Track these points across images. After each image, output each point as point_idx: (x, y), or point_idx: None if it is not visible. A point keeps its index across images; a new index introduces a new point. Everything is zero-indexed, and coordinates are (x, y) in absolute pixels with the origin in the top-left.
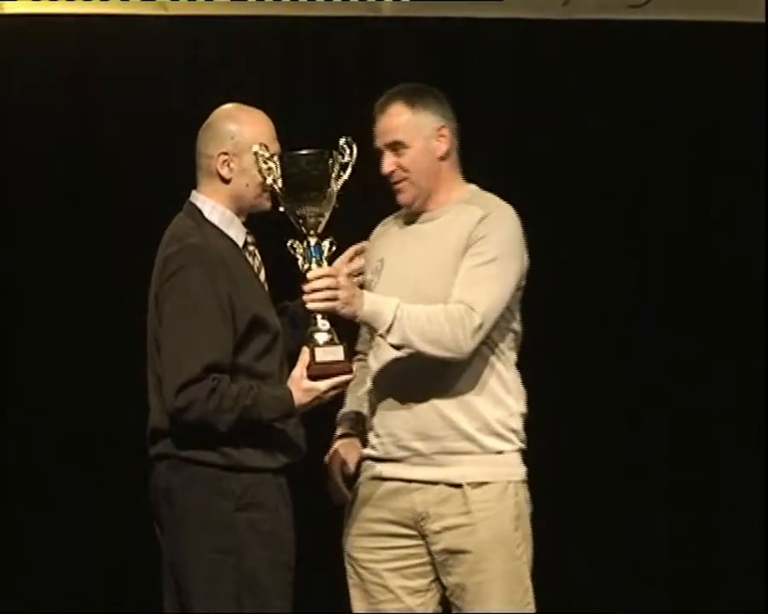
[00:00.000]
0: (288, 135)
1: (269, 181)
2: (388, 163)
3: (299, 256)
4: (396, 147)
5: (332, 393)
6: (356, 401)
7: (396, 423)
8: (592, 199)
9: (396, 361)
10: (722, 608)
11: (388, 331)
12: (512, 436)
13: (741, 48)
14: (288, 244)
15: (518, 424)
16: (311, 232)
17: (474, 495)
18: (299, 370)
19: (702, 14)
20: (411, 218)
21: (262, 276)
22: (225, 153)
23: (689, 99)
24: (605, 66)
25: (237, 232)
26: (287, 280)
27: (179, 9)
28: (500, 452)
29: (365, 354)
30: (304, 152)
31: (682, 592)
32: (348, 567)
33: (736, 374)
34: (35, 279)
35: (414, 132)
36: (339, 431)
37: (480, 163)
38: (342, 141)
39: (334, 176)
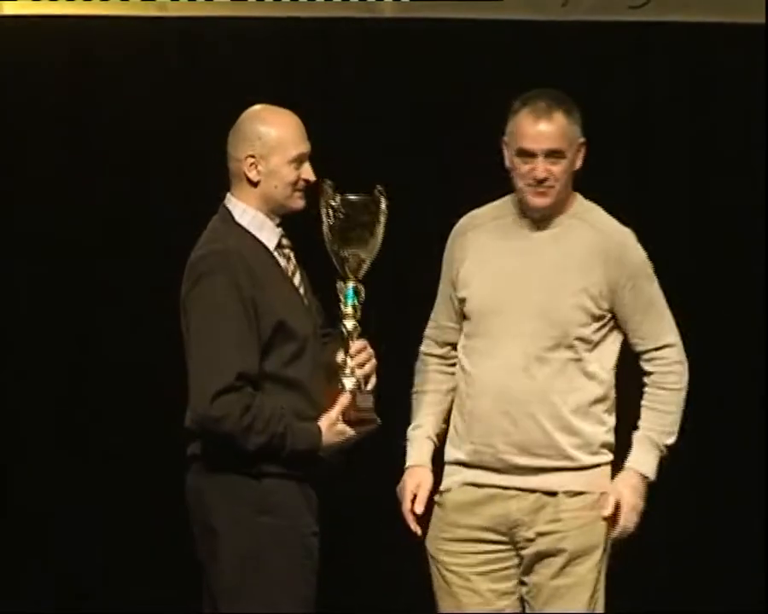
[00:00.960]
0: None
1: (329, 221)
2: (543, 169)
3: (347, 298)
4: (553, 154)
5: (353, 440)
6: (433, 408)
7: (496, 434)
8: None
9: (499, 372)
10: (722, 608)
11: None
12: (606, 449)
13: (740, 49)
14: (338, 285)
15: (612, 437)
16: (351, 275)
17: (568, 504)
18: (336, 412)
19: (702, 15)
20: (523, 223)
21: (296, 279)
22: (252, 156)
23: (688, 100)
24: (604, 68)
25: (269, 234)
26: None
27: (179, 10)
28: (596, 466)
29: (445, 358)
30: (354, 196)
31: (682, 592)
32: (434, 569)
33: (735, 374)
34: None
35: (569, 143)
36: (413, 457)
37: (480, 164)
38: (378, 189)
39: (380, 221)
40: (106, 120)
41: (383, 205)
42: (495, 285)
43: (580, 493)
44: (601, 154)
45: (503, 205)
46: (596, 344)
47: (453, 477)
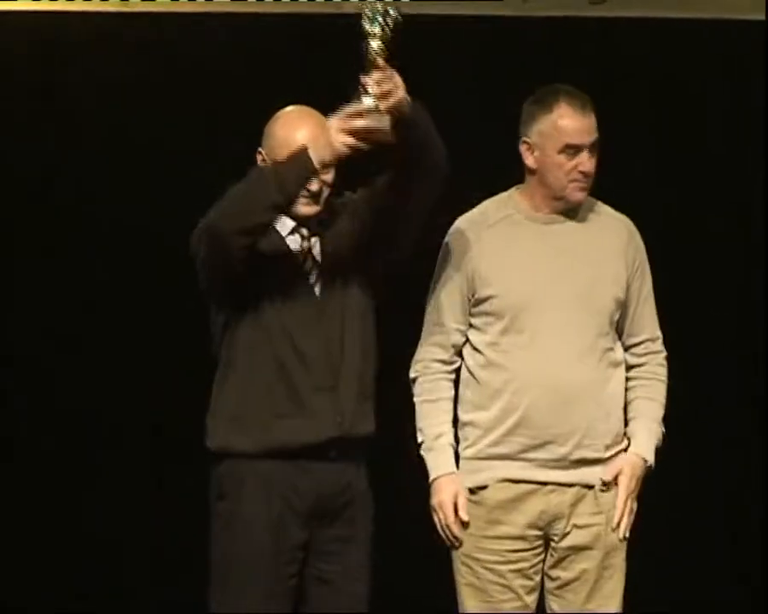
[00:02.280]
0: None
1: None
2: (590, 163)
3: (365, 17)
4: (593, 147)
5: (350, 140)
6: (447, 416)
7: (547, 420)
8: None
9: (549, 365)
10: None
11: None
12: (625, 442)
13: (701, 44)
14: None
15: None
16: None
17: (604, 496)
18: (343, 116)
19: (663, 10)
20: (535, 217)
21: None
22: (260, 153)
23: (653, 96)
24: (567, 65)
25: (282, 225)
26: None
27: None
28: (617, 454)
29: (450, 363)
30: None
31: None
32: (463, 567)
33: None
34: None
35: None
36: (441, 466)
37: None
38: None
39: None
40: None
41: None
42: (527, 280)
43: (608, 484)
44: None
45: (504, 204)
46: (616, 332)
47: (487, 471)
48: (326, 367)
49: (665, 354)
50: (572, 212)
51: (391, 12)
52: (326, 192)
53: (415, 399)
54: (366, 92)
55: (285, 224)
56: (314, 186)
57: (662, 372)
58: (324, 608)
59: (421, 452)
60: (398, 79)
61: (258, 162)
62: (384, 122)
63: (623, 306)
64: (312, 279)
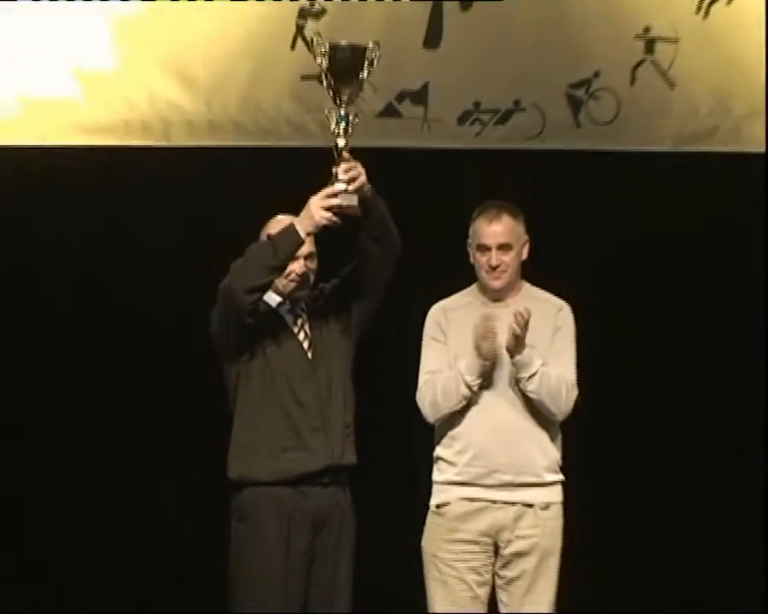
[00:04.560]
0: None
1: (321, 61)
2: (497, 258)
3: (332, 121)
4: (504, 247)
5: (327, 215)
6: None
7: (494, 456)
8: None
9: (493, 411)
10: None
11: (531, 378)
12: (559, 471)
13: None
14: (325, 111)
15: (560, 461)
16: (344, 105)
17: (541, 514)
18: (321, 195)
19: (588, 143)
20: (486, 300)
21: (302, 334)
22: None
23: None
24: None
25: (280, 307)
26: None
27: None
28: (556, 482)
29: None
30: (346, 42)
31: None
32: (430, 565)
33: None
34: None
35: (516, 239)
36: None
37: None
38: (371, 42)
39: (365, 65)
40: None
41: (372, 56)
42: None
43: (549, 505)
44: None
45: (468, 292)
46: None
47: (449, 493)
48: (317, 411)
49: (572, 387)
50: (511, 298)
51: (351, 117)
52: (311, 276)
53: (434, 396)
54: (337, 178)
55: (283, 306)
56: (299, 269)
57: (564, 386)
58: (318, 591)
59: (467, 380)
60: (360, 168)
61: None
62: (352, 200)
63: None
64: (306, 345)
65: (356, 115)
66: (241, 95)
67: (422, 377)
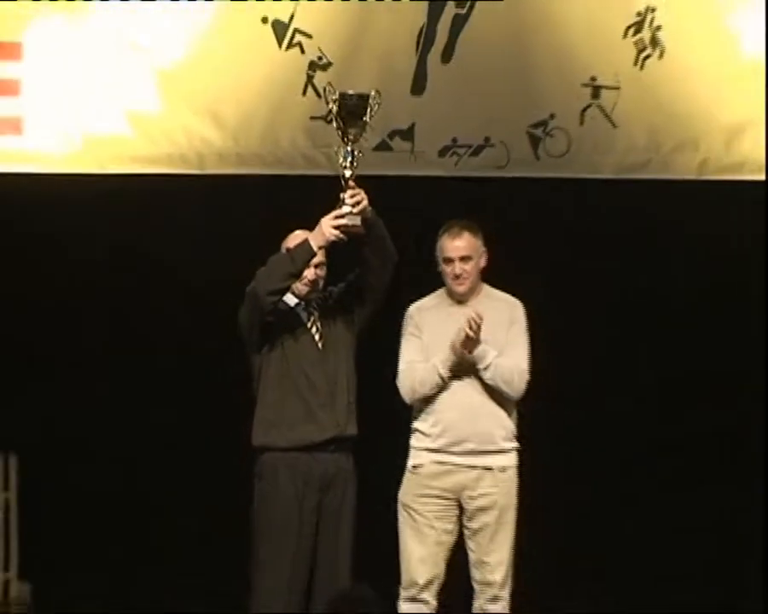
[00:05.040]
0: None
1: (331, 106)
2: (459, 268)
3: (340, 156)
4: (465, 259)
5: (335, 232)
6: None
7: (461, 429)
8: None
9: (462, 388)
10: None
11: (486, 368)
12: (515, 440)
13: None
14: (335, 148)
15: (515, 431)
16: (350, 143)
17: (499, 476)
18: (330, 216)
19: (546, 172)
20: (452, 301)
21: (313, 328)
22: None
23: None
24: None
25: (290, 299)
26: None
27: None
28: (513, 449)
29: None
30: (353, 91)
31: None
32: (404, 514)
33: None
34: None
35: (475, 251)
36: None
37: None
38: (374, 91)
39: (369, 111)
40: None
41: (371, 100)
42: (445, 345)
43: (506, 468)
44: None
45: (438, 296)
46: None
47: (423, 458)
48: (326, 391)
49: (524, 373)
50: (473, 299)
51: (356, 153)
52: (321, 282)
53: (412, 383)
54: (344, 202)
55: (299, 306)
56: (312, 275)
57: (516, 372)
58: (325, 540)
59: (441, 372)
60: (363, 194)
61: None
62: (356, 221)
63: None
64: (317, 338)
65: (360, 151)
66: (262, 132)
67: (402, 365)
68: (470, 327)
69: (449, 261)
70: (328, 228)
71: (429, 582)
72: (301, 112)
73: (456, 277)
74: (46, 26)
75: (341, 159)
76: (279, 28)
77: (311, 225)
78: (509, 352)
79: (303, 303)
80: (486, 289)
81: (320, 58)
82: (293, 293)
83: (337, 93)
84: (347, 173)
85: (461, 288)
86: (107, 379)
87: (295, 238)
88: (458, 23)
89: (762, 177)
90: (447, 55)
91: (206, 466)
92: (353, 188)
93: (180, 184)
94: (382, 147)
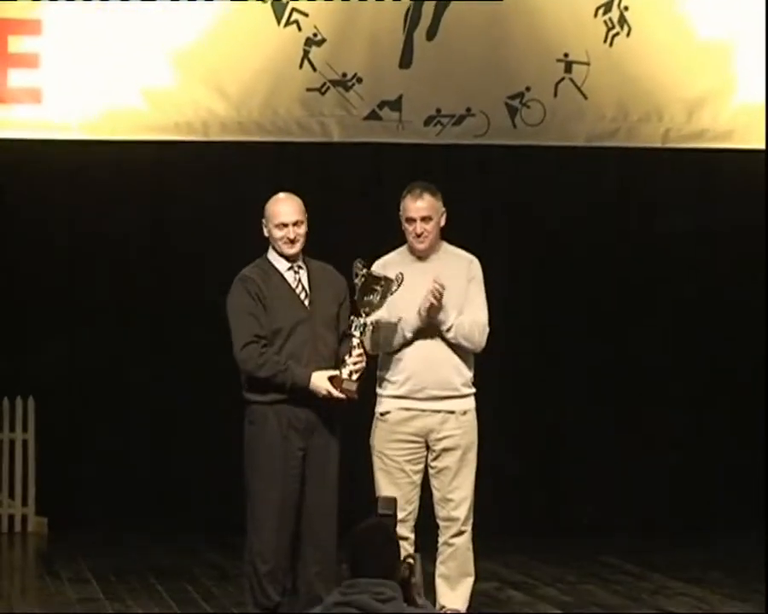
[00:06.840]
0: None
1: (357, 281)
2: (421, 227)
3: (353, 325)
4: (426, 219)
5: (323, 394)
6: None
7: (423, 377)
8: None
9: (425, 341)
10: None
11: (448, 330)
12: (472, 386)
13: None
14: (350, 319)
15: (473, 378)
16: (364, 315)
17: (461, 419)
18: (329, 379)
19: (522, 140)
20: (414, 258)
21: (299, 288)
22: (263, 222)
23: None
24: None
25: (278, 262)
26: None
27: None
28: (471, 395)
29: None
30: (378, 273)
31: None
32: (377, 460)
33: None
34: None
35: (435, 211)
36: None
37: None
38: (398, 273)
39: (388, 293)
40: None
41: (393, 284)
42: (407, 297)
43: (466, 411)
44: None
45: (400, 252)
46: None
47: (390, 404)
48: (312, 351)
49: (484, 327)
50: (432, 255)
51: (368, 325)
52: (300, 239)
53: (376, 340)
54: (345, 364)
55: (280, 265)
56: (291, 234)
57: (476, 328)
58: (312, 479)
59: (407, 335)
60: (364, 362)
61: (264, 227)
62: (352, 386)
63: (462, 305)
64: (303, 297)
65: (371, 323)
66: (262, 102)
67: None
68: (434, 297)
69: (411, 220)
70: (322, 389)
71: (404, 520)
72: (298, 85)
73: (418, 236)
74: (64, 4)
75: (353, 329)
76: (278, 7)
77: (303, 186)
78: (468, 309)
79: (290, 264)
80: (445, 246)
81: (315, 35)
82: (281, 255)
83: (365, 270)
84: (355, 341)
85: (422, 246)
86: (118, 330)
87: (276, 201)
88: (441, 4)
89: (720, 145)
90: (432, 33)
91: (207, 411)
92: (359, 355)
93: (186, 149)
94: (372, 116)
